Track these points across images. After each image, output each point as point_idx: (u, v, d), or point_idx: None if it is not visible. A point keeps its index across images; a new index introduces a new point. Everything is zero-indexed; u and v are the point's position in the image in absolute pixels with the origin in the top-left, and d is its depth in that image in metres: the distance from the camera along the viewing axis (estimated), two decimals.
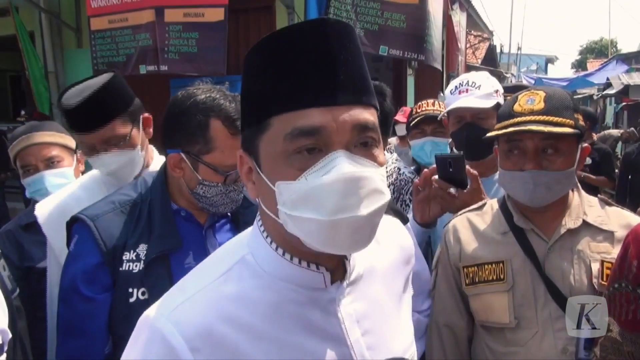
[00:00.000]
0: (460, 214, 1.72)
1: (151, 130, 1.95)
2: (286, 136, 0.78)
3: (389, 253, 1.02)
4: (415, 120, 2.66)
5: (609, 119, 20.09)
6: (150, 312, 0.84)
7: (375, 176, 0.80)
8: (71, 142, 2.21)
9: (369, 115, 0.81)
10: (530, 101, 1.50)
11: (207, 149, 1.45)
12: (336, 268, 0.89)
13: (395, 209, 1.92)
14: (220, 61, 4.78)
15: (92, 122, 1.78)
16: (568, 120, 1.46)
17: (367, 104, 0.82)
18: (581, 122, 1.51)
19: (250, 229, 0.94)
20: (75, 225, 1.49)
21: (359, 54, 0.83)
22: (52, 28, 6.95)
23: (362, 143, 0.80)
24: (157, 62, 5.11)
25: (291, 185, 0.78)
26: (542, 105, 1.47)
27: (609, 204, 1.60)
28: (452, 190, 1.84)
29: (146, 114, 1.93)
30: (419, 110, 2.68)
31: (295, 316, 0.85)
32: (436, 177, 1.86)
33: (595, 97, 20.51)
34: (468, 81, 2.15)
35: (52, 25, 6.92)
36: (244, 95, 0.87)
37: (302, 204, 0.77)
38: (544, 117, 1.45)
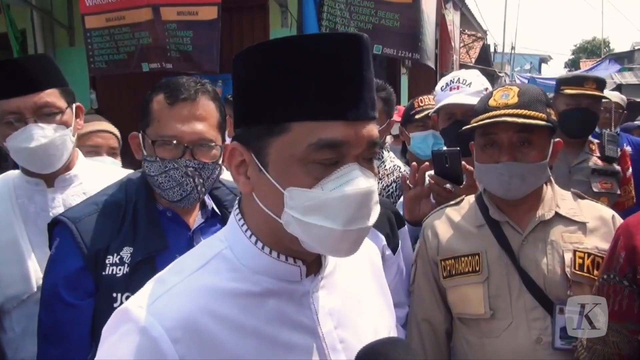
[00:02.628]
0: (439, 209, 1.76)
1: (82, 122, 1.85)
2: (310, 145, 0.80)
3: (362, 254, 1.04)
4: (421, 114, 2.66)
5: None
6: (129, 304, 0.85)
7: (376, 189, 0.85)
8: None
9: (376, 130, 0.86)
10: (505, 96, 1.56)
11: (148, 122, 1.43)
12: (312, 262, 0.92)
13: (395, 211, 1.92)
14: (214, 59, 4.77)
15: (25, 84, 1.63)
16: (541, 114, 1.51)
17: (375, 118, 0.86)
18: (553, 117, 1.56)
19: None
20: (56, 227, 1.45)
21: (373, 69, 0.86)
22: (44, 26, 6.91)
23: (369, 157, 0.85)
24: (161, 60, 5.10)
25: (306, 193, 0.81)
26: (516, 99, 1.54)
27: (582, 197, 1.66)
28: (448, 186, 1.85)
29: (78, 103, 1.84)
30: (421, 104, 2.70)
31: (271, 308, 0.87)
32: (431, 172, 1.87)
33: None
34: (459, 78, 2.18)
35: (44, 23, 6.88)
36: (249, 91, 0.86)
37: (315, 211, 0.80)
38: (518, 110, 1.51)
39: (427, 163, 1.91)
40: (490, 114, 1.54)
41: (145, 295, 0.85)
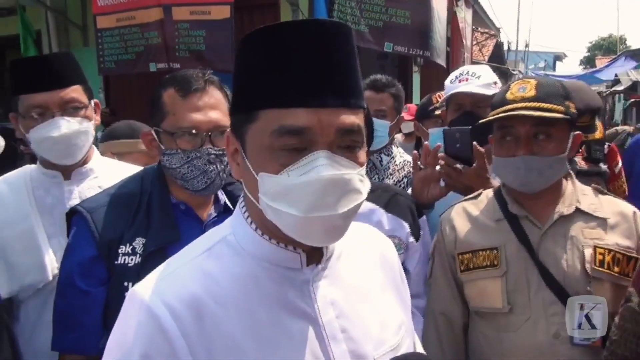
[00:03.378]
0: (456, 204, 1.75)
1: (99, 117, 1.92)
2: (273, 132, 0.81)
3: (371, 248, 1.06)
4: (439, 109, 2.66)
5: (618, 115, 19.95)
6: (136, 286, 0.88)
7: (354, 177, 0.83)
8: None
9: (355, 119, 0.84)
10: (522, 89, 1.55)
11: (162, 116, 1.46)
12: (313, 250, 0.92)
13: (414, 201, 1.92)
14: (227, 58, 4.80)
15: (52, 79, 1.71)
16: (558, 107, 1.50)
17: (354, 107, 0.84)
18: (572, 110, 1.54)
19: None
20: (73, 217, 1.49)
21: (352, 55, 0.85)
22: (58, 27, 7.00)
23: (346, 145, 0.83)
24: (168, 59, 5.14)
25: (273, 179, 0.82)
26: (533, 92, 1.52)
27: (603, 193, 1.64)
28: (458, 166, 1.83)
29: (95, 100, 1.91)
30: (439, 100, 2.69)
31: (272, 293, 0.88)
32: (442, 154, 1.86)
33: (603, 94, 20.39)
34: (468, 71, 2.19)
35: (58, 23, 6.96)
36: (235, 82, 0.89)
37: (281, 197, 0.82)
38: (535, 103, 1.49)
39: (439, 144, 1.89)
40: (507, 107, 1.53)
41: (151, 278, 0.89)
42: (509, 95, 1.56)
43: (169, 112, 1.45)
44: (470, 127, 1.87)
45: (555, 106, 1.49)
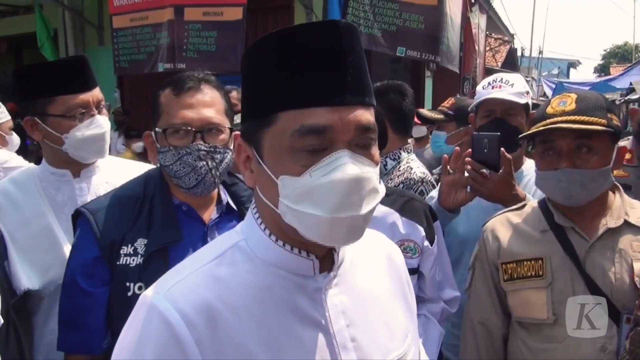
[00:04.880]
0: (500, 214, 1.74)
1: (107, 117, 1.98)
2: (294, 133, 0.80)
3: (380, 253, 1.06)
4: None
5: None
6: (147, 292, 0.87)
7: (373, 175, 0.84)
8: None
9: (369, 116, 0.85)
10: (562, 103, 1.55)
11: (158, 116, 1.48)
12: (325, 257, 0.92)
13: (429, 205, 1.92)
14: (238, 60, 4.81)
15: (89, 80, 1.80)
16: (599, 120, 1.49)
17: (369, 104, 0.85)
18: (615, 122, 1.54)
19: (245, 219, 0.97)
20: (78, 218, 1.52)
21: (362, 54, 0.86)
22: (75, 26, 7.08)
23: (363, 144, 0.84)
24: (174, 59, 5.18)
25: (295, 181, 0.81)
26: (573, 106, 1.52)
27: None
28: (485, 171, 1.84)
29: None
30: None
31: (284, 300, 0.88)
32: (469, 159, 1.86)
33: (617, 102, 20.20)
34: (502, 79, 2.18)
35: (75, 23, 7.05)
36: (248, 87, 0.89)
37: (305, 199, 0.81)
38: (575, 117, 1.49)
39: (470, 150, 1.88)
40: (547, 121, 1.54)
41: (162, 283, 0.88)
42: (549, 110, 1.56)
43: (163, 111, 1.47)
44: (498, 133, 1.87)
45: (595, 119, 1.49)
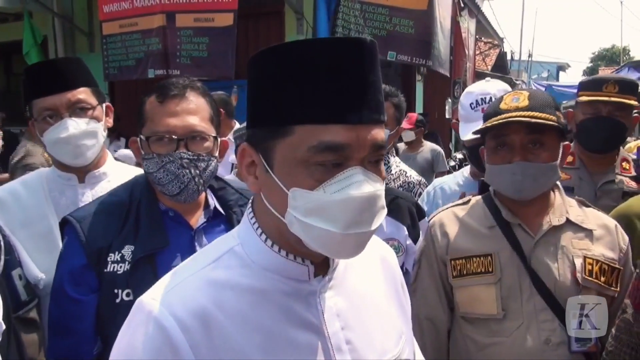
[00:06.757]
0: (445, 209, 1.77)
1: (111, 120, 1.95)
2: (310, 148, 0.81)
3: (373, 254, 1.07)
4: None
5: None
6: (143, 297, 0.88)
7: (383, 193, 0.85)
8: None
9: (383, 134, 0.86)
10: (515, 99, 1.61)
11: (142, 124, 1.48)
12: (320, 263, 0.93)
13: (415, 203, 1.98)
14: (229, 66, 4.83)
15: (60, 82, 1.77)
16: (550, 116, 1.56)
17: (382, 122, 0.86)
18: (562, 120, 1.60)
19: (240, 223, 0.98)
20: (65, 226, 1.51)
21: (379, 72, 0.87)
22: (65, 33, 7.06)
23: (374, 160, 0.85)
24: (167, 66, 5.17)
25: (308, 195, 0.82)
26: (526, 102, 1.58)
27: (586, 205, 1.70)
28: None
29: (108, 103, 1.95)
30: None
31: (279, 305, 0.89)
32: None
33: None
34: (491, 98, 2.10)
35: (65, 29, 7.03)
36: (260, 94, 0.88)
37: (316, 213, 0.81)
38: (529, 112, 1.55)
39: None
40: (502, 116, 1.58)
41: (158, 288, 0.88)
42: (502, 106, 1.61)
43: (147, 118, 1.47)
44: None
45: (547, 115, 1.55)
